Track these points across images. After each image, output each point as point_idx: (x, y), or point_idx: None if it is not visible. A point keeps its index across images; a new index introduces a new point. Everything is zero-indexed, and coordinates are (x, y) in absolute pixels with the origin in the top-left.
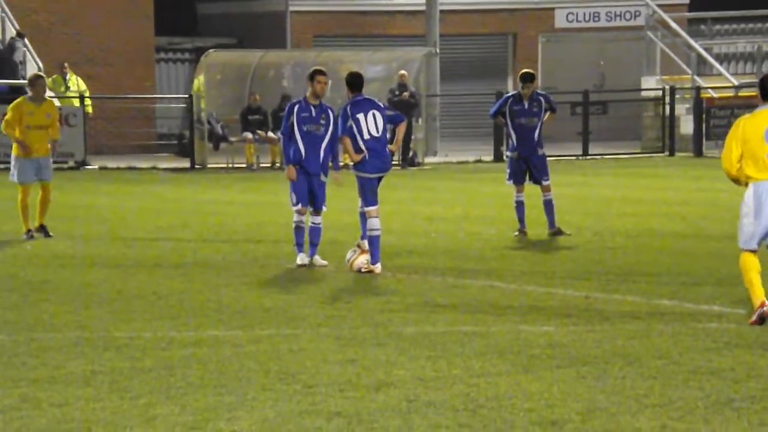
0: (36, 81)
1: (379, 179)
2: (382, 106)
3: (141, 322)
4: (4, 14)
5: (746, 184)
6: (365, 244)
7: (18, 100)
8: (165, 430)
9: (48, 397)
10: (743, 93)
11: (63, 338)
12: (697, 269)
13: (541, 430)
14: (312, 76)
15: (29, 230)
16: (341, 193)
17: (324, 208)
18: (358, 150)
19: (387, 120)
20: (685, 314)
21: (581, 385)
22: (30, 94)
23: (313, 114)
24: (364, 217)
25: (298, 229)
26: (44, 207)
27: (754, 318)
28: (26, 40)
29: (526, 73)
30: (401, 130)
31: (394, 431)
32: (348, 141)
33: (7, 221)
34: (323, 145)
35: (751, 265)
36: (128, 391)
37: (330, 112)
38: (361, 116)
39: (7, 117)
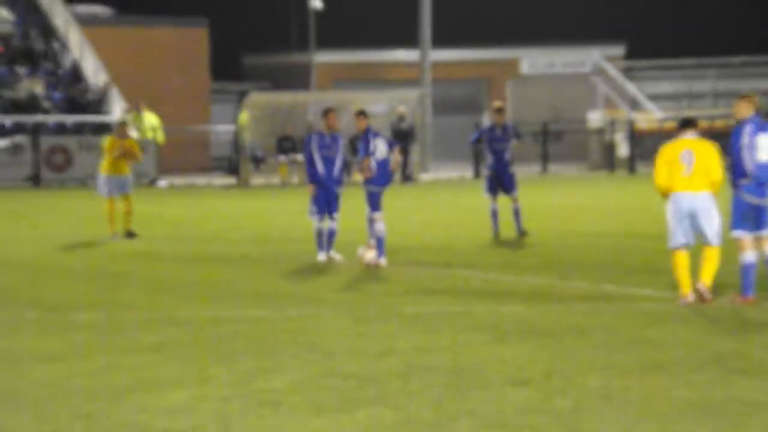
0: (120, 124)
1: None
2: (383, 135)
3: (197, 304)
4: (97, 65)
5: (667, 196)
6: (373, 242)
7: (108, 138)
8: (217, 387)
9: (126, 362)
10: (667, 124)
11: (137, 316)
12: (633, 261)
13: (512, 387)
14: (325, 113)
15: (114, 233)
16: (354, 203)
17: (336, 214)
18: (370, 168)
19: (388, 147)
20: (625, 296)
21: (543, 353)
22: (115, 132)
23: (328, 142)
24: (371, 221)
25: (319, 233)
26: (128, 216)
27: (680, 303)
28: (113, 85)
29: (498, 107)
30: (396, 154)
31: (396, 389)
32: (368, 161)
33: (97, 226)
34: (336, 165)
35: (679, 263)
36: (188, 357)
37: (339, 139)
38: (376, 142)
39: (105, 149)
